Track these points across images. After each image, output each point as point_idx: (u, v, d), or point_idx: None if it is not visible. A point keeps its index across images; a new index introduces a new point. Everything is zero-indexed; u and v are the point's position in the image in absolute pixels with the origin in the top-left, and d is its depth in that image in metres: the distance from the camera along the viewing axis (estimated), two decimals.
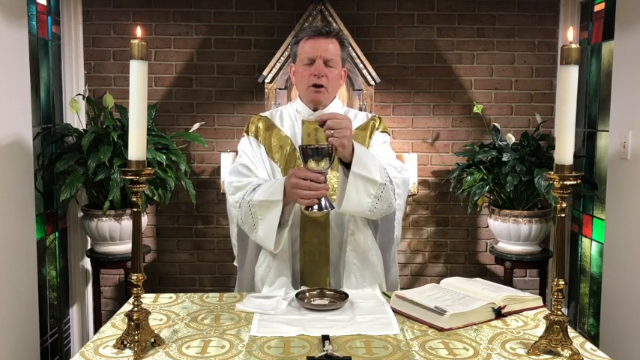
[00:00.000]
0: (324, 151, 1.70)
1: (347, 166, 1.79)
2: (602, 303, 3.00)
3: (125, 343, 1.40)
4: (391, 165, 1.97)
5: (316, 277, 1.97)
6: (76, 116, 3.40)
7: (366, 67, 3.36)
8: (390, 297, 1.75)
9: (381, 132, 2.09)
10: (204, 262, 3.81)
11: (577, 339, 1.45)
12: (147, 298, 1.79)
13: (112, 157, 3.08)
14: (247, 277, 2.08)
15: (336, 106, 2.08)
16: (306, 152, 1.71)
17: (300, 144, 1.90)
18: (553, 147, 3.22)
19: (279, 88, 3.38)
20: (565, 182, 1.34)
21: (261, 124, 2.07)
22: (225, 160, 3.50)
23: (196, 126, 3.53)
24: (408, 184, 2.06)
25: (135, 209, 1.40)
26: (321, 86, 1.96)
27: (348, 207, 1.82)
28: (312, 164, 1.71)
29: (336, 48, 1.98)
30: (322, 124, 1.74)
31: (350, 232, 1.98)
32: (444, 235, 3.83)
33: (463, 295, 1.69)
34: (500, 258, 3.44)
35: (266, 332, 1.51)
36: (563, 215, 1.39)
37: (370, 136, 2.07)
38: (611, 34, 3.07)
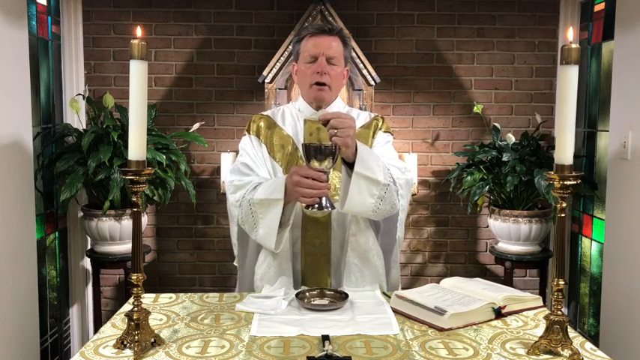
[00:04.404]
0: (327, 150, 1.69)
1: (350, 166, 1.78)
2: (602, 303, 3.00)
3: (125, 343, 1.40)
4: (394, 165, 1.96)
5: (317, 277, 1.96)
6: (76, 116, 3.40)
7: (366, 67, 3.36)
8: (390, 297, 1.75)
9: (384, 132, 2.09)
10: (204, 262, 3.81)
11: (577, 339, 1.45)
12: (147, 298, 1.79)
13: (112, 157, 3.08)
14: (247, 276, 2.08)
15: (338, 105, 2.07)
16: (309, 151, 1.70)
17: (303, 142, 1.90)
18: (553, 147, 3.22)
19: (279, 88, 3.38)
20: (565, 182, 1.34)
21: (262, 123, 2.07)
22: (225, 160, 3.50)
23: (196, 126, 3.53)
24: (412, 185, 2.05)
25: (135, 209, 1.40)
26: (323, 84, 1.96)
27: (350, 207, 1.81)
28: (314, 163, 1.70)
29: (338, 46, 1.97)
30: (325, 123, 1.73)
31: (352, 233, 1.97)
32: (444, 235, 3.83)
33: (463, 295, 1.69)
34: (500, 258, 3.44)
35: (266, 332, 1.51)
36: (563, 215, 1.39)
37: (373, 136, 2.06)
38: (611, 34, 3.07)
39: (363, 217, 1.98)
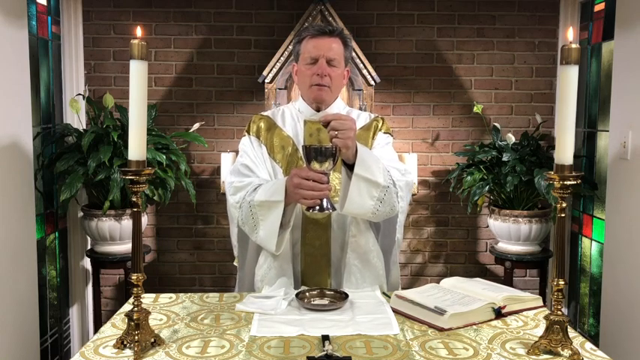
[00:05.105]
0: (327, 151, 1.69)
1: (350, 167, 1.78)
2: (602, 303, 3.00)
3: (125, 343, 1.40)
4: (395, 167, 1.96)
5: (317, 278, 1.96)
6: (76, 116, 3.40)
7: (366, 67, 3.36)
8: (390, 297, 1.75)
9: (384, 133, 2.08)
10: (204, 262, 3.81)
11: (577, 339, 1.45)
12: (147, 298, 1.79)
13: (112, 157, 3.08)
14: (247, 277, 2.08)
15: (339, 106, 2.07)
16: (310, 153, 1.70)
17: (304, 144, 1.90)
18: (553, 147, 3.22)
19: (279, 88, 3.38)
20: (565, 182, 1.34)
21: (262, 124, 2.06)
22: (225, 160, 3.50)
23: (196, 126, 3.53)
24: (412, 187, 2.05)
25: (135, 209, 1.40)
26: (324, 85, 1.96)
27: (350, 209, 1.81)
28: (315, 165, 1.70)
29: (339, 47, 1.97)
30: (326, 124, 1.73)
31: (352, 234, 1.97)
32: (444, 235, 3.83)
33: (463, 295, 1.69)
34: (500, 258, 3.44)
35: (266, 332, 1.51)
36: (563, 215, 1.39)
37: (373, 137, 2.06)
38: (611, 34, 3.07)
39: (363, 219, 1.98)
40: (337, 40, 1.97)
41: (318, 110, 2.02)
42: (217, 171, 3.71)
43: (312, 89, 1.97)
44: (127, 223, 3.22)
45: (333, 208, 1.76)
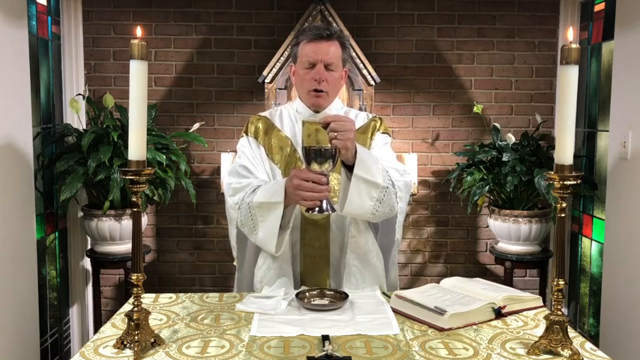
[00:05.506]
0: (327, 152, 1.69)
1: (349, 168, 1.78)
2: (602, 303, 3.00)
3: (125, 343, 1.40)
4: (394, 168, 1.95)
5: (317, 279, 1.96)
6: (76, 116, 3.40)
7: (366, 67, 3.36)
8: (390, 297, 1.75)
9: (382, 133, 2.08)
10: (204, 262, 3.81)
11: (577, 339, 1.45)
12: (147, 298, 1.79)
13: (112, 157, 3.08)
14: (246, 278, 2.08)
15: (337, 106, 2.07)
16: (310, 154, 1.69)
17: (304, 145, 1.90)
18: (553, 147, 3.22)
19: (279, 88, 3.38)
20: (565, 182, 1.34)
21: (260, 125, 2.06)
22: (225, 160, 3.50)
23: (196, 126, 3.53)
24: (411, 187, 2.04)
25: (135, 209, 1.40)
26: (321, 91, 1.96)
27: (350, 210, 1.81)
28: (315, 166, 1.69)
29: (337, 50, 1.96)
30: (325, 125, 1.73)
31: (351, 235, 1.97)
32: (444, 235, 3.83)
33: (463, 295, 1.69)
34: (500, 258, 3.44)
35: (266, 332, 1.51)
36: (563, 215, 1.39)
37: (371, 138, 2.06)
38: (611, 34, 3.07)
39: (363, 220, 1.97)
40: (335, 43, 1.95)
41: (316, 111, 2.02)
42: (217, 171, 3.72)
43: (309, 94, 1.97)
44: (127, 223, 3.22)
45: (333, 210, 1.76)
